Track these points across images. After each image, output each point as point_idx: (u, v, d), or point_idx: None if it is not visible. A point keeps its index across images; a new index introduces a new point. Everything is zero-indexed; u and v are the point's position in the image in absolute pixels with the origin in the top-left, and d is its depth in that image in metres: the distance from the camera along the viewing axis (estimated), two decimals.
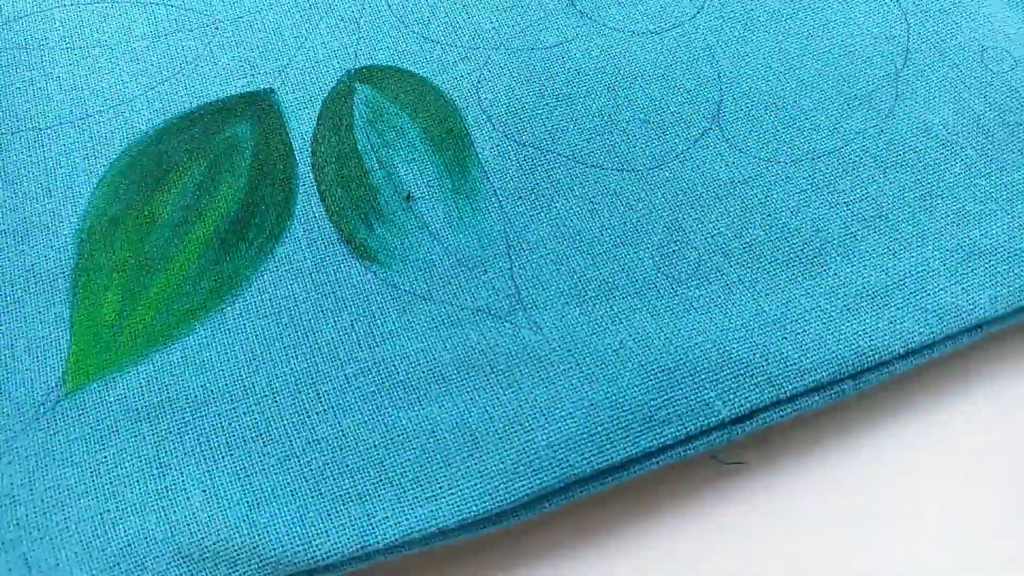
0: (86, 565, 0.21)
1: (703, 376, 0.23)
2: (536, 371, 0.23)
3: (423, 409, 0.23)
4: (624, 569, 0.23)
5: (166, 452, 0.22)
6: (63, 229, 0.25)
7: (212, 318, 0.24)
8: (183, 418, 0.23)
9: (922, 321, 0.24)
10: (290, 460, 0.22)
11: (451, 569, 0.23)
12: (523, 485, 0.22)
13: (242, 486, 0.22)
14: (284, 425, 0.23)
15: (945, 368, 0.25)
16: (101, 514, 0.21)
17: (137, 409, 0.23)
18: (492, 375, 0.23)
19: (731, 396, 0.23)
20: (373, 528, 0.21)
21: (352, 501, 0.22)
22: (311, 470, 0.22)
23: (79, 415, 0.23)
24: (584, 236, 0.25)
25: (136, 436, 0.22)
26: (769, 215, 0.25)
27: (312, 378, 0.23)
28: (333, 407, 0.23)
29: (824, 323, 0.24)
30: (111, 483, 0.22)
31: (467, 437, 0.22)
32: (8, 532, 0.21)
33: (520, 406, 0.23)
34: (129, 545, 0.21)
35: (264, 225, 0.25)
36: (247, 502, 0.21)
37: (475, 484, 0.22)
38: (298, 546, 0.21)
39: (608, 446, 0.22)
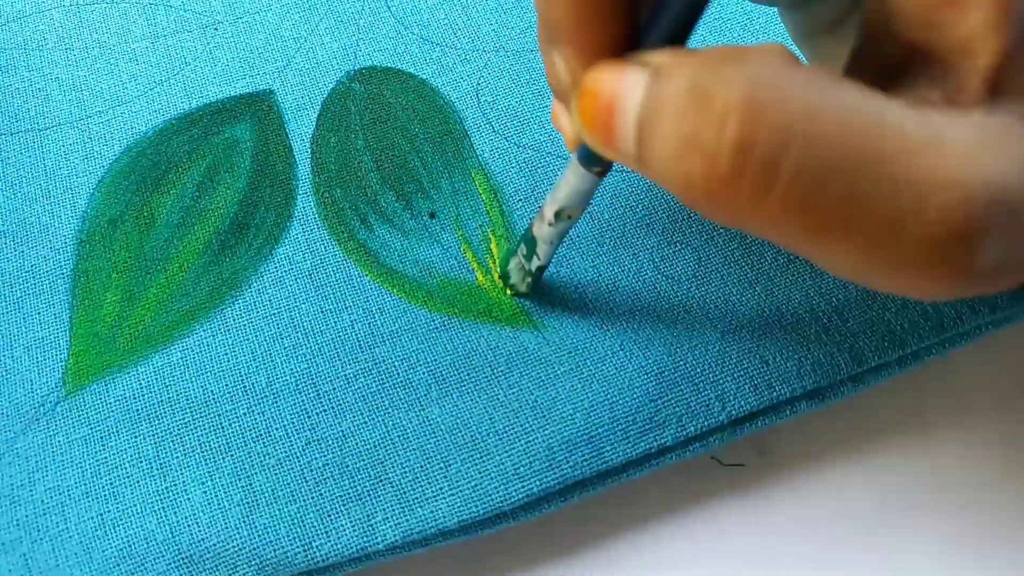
0: (86, 566, 0.21)
1: (702, 378, 0.23)
2: (535, 373, 0.23)
3: (423, 410, 0.23)
4: (624, 570, 0.23)
5: (166, 453, 0.22)
6: (62, 230, 0.25)
7: (212, 319, 0.24)
8: (183, 419, 0.23)
9: (920, 323, 0.24)
10: (290, 461, 0.22)
11: (451, 570, 0.23)
12: (522, 487, 0.22)
13: (242, 487, 0.22)
14: (284, 426, 0.23)
15: (945, 368, 0.25)
16: (101, 515, 0.21)
17: (137, 410, 0.23)
18: (492, 377, 0.23)
19: (730, 398, 0.23)
20: (373, 529, 0.21)
21: (352, 502, 0.22)
22: (311, 471, 0.22)
23: (79, 416, 0.23)
24: (584, 238, 0.25)
25: (136, 437, 0.22)
26: None
27: (312, 379, 0.23)
28: (333, 408, 0.23)
29: (823, 325, 0.24)
30: (111, 484, 0.22)
31: (467, 438, 0.22)
32: (8, 533, 0.21)
33: (519, 408, 0.23)
34: (129, 546, 0.21)
35: (263, 226, 0.25)
36: (247, 503, 0.22)
37: (475, 486, 0.22)
38: (298, 547, 0.21)
39: (607, 448, 0.22)
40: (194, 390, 0.23)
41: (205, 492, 0.22)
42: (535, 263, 0.23)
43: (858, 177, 0.14)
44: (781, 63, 0.14)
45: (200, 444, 0.22)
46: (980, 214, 0.14)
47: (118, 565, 0.21)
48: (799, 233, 0.15)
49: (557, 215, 0.21)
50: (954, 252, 0.14)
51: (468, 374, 0.23)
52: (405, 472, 0.22)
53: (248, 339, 0.24)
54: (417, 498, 0.22)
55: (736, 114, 0.14)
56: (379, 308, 0.24)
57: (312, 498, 0.22)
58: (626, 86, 0.15)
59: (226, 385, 0.23)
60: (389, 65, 0.28)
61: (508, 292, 0.24)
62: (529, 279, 0.24)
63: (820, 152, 0.14)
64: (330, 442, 0.22)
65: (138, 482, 0.22)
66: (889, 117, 0.14)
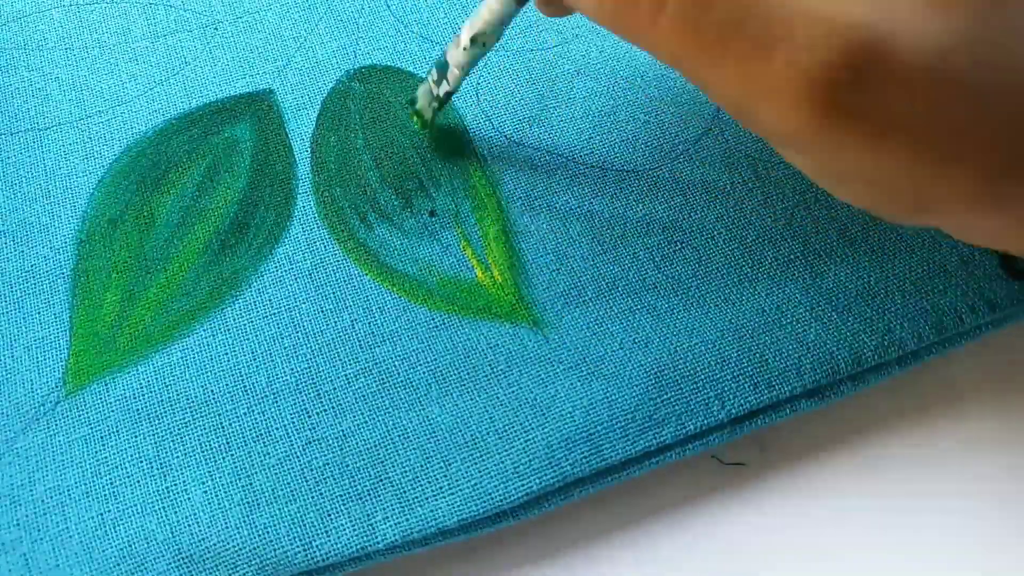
0: (86, 566, 0.21)
1: (702, 376, 0.23)
2: (535, 371, 0.23)
3: (422, 409, 0.23)
4: (624, 569, 0.23)
5: (166, 453, 0.22)
6: (62, 230, 0.25)
7: (212, 318, 0.24)
8: (183, 418, 0.23)
9: (920, 323, 0.24)
10: (290, 460, 0.22)
11: (451, 569, 0.23)
12: (522, 485, 0.22)
13: (242, 486, 0.22)
14: (284, 425, 0.23)
15: (945, 368, 0.25)
16: (101, 515, 0.21)
17: (137, 410, 0.23)
18: (491, 375, 0.23)
19: (730, 396, 0.23)
20: (373, 529, 0.21)
21: (352, 501, 0.22)
22: (311, 470, 0.22)
23: (79, 416, 0.23)
24: (584, 236, 0.25)
25: (136, 437, 0.22)
26: (768, 215, 0.25)
27: (312, 378, 0.23)
28: (333, 407, 0.23)
29: (823, 324, 0.24)
30: (111, 484, 0.22)
31: (466, 437, 0.22)
32: (8, 533, 0.21)
33: (519, 406, 0.23)
34: (129, 546, 0.21)
35: (263, 226, 0.25)
36: (247, 503, 0.22)
37: (474, 484, 0.22)
38: (298, 547, 0.21)
39: (607, 446, 0.22)
40: (194, 390, 0.23)
41: (205, 492, 0.22)
42: (444, 88, 0.24)
43: (736, 5, 0.16)
44: None
45: (200, 444, 0.22)
46: (844, 50, 0.15)
47: (118, 565, 0.21)
48: (686, 53, 0.17)
49: (473, 40, 0.23)
50: (819, 83, 0.15)
51: (468, 372, 0.23)
52: (405, 471, 0.22)
53: (248, 339, 0.24)
54: (417, 497, 0.22)
55: None
56: (379, 307, 0.24)
57: (312, 497, 0.22)
58: None
59: (226, 385, 0.23)
60: (389, 64, 0.28)
61: (413, 119, 0.26)
62: (435, 104, 0.25)
63: None
64: (330, 442, 0.22)
65: (138, 482, 0.22)
66: None
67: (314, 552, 0.21)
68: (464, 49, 0.23)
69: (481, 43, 0.23)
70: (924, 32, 0.15)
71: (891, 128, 0.16)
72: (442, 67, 0.24)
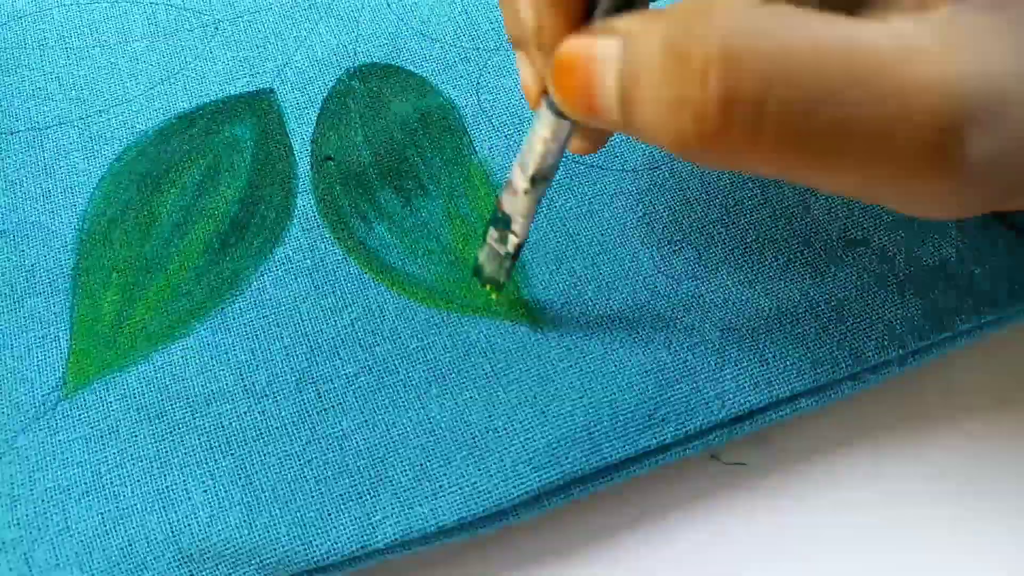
0: (87, 565, 0.21)
1: (702, 375, 0.23)
2: (535, 369, 0.23)
3: (422, 408, 0.23)
4: (623, 569, 0.23)
5: (166, 452, 0.22)
6: (63, 229, 0.25)
7: (212, 318, 0.24)
8: (183, 418, 0.23)
9: (920, 322, 0.24)
10: (290, 460, 0.22)
11: (451, 569, 0.23)
12: (522, 484, 0.22)
13: (242, 486, 0.22)
14: (284, 425, 0.23)
15: (945, 368, 0.25)
16: (102, 514, 0.21)
17: (137, 409, 0.23)
18: (492, 374, 0.23)
19: (730, 396, 0.23)
20: (373, 528, 0.21)
21: (352, 501, 0.22)
22: (311, 470, 0.22)
23: (79, 415, 0.23)
24: (583, 236, 0.25)
25: (136, 436, 0.22)
26: (768, 215, 0.25)
27: (312, 378, 0.23)
28: (333, 407, 0.23)
29: (823, 323, 0.24)
30: (112, 483, 0.22)
31: (466, 436, 0.22)
32: (9, 532, 0.21)
33: (519, 405, 0.23)
34: (129, 545, 0.21)
35: (264, 225, 0.25)
36: (247, 502, 0.22)
37: (474, 483, 0.22)
38: (298, 546, 0.21)
39: (607, 445, 0.22)
40: (194, 389, 0.23)
41: (205, 491, 0.22)
42: (512, 242, 0.22)
43: (842, 101, 0.14)
44: (746, 6, 0.15)
45: (200, 443, 0.22)
46: (961, 106, 0.14)
47: (119, 564, 0.21)
48: (795, 165, 0.15)
49: (534, 180, 0.20)
50: (946, 145, 0.14)
51: (467, 371, 0.23)
52: (405, 470, 0.22)
53: (248, 338, 0.24)
54: (417, 496, 0.22)
55: (715, 68, 0.14)
56: (379, 306, 0.24)
57: (312, 497, 0.22)
58: (601, 56, 0.16)
59: (226, 384, 0.23)
60: (389, 62, 0.28)
61: (487, 288, 0.24)
62: (508, 263, 0.22)
63: (801, 86, 0.14)
64: (330, 441, 0.22)
65: (138, 481, 0.22)
66: (859, 37, 0.15)
67: (314, 551, 0.21)
68: (525, 193, 0.20)
69: (543, 177, 0.20)
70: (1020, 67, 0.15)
71: (995, 168, 0.15)
72: (500, 222, 0.21)
